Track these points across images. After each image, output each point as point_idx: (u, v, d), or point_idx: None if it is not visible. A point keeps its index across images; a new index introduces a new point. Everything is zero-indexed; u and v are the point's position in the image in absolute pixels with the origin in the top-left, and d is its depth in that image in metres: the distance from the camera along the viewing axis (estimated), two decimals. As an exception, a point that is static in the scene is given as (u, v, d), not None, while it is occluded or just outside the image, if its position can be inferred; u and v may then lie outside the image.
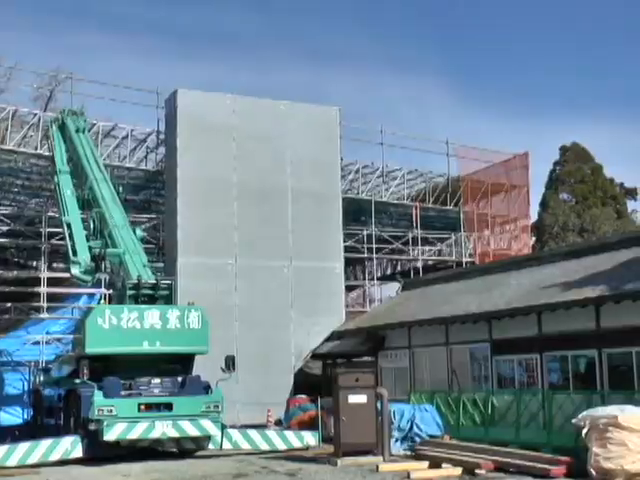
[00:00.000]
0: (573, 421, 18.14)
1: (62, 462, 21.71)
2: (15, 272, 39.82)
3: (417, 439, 23.14)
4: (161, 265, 27.77)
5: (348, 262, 39.72)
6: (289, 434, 24.79)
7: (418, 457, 21.16)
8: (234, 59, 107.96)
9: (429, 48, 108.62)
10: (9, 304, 36.29)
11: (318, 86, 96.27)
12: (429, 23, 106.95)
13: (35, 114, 37.23)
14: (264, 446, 23.90)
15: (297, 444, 24.13)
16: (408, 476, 18.26)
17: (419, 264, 43.80)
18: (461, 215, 44.70)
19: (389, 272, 50.17)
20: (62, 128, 32.25)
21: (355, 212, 41.59)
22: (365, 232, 41.20)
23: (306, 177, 34.94)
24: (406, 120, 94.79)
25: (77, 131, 31.52)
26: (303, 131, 35.32)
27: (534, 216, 52.12)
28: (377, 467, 19.65)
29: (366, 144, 41.93)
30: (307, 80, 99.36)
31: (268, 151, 34.57)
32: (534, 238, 52.09)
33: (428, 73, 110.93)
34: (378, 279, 46.58)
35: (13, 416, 32.82)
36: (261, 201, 33.82)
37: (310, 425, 26.26)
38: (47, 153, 34.23)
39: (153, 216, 38.04)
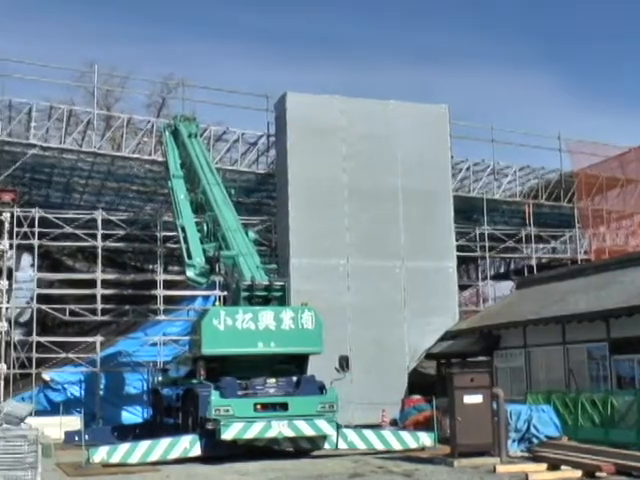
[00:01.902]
0: (699, 422, 17.60)
1: (181, 460, 22.11)
2: (132, 275, 40.73)
3: (534, 440, 22.77)
4: (274, 266, 27.97)
5: (461, 261, 39.35)
6: (405, 434, 24.71)
7: (536, 459, 20.78)
8: (342, 61, 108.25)
9: (538, 44, 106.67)
10: (127, 306, 37.16)
11: (426, 85, 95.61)
12: (537, 19, 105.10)
13: (149, 121, 38.11)
14: (379, 446, 23.86)
15: (413, 444, 24.02)
16: (526, 478, 18.00)
17: (533, 262, 43.00)
18: (575, 211, 43.72)
19: (502, 271, 49.48)
20: (175, 134, 32.79)
21: (467, 210, 41.17)
22: (477, 231, 40.70)
23: (416, 176, 34.79)
24: (516, 117, 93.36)
25: (189, 136, 32.02)
26: (412, 130, 35.18)
27: (652, 211, 50.54)
28: (494, 468, 19.44)
29: (476, 142, 41.46)
30: (415, 79, 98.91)
31: (378, 151, 34.57)
32: (652, 234, 50.53)
33: (537, 69, 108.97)
34: (491, 278, 45.96)
35: (134, 415, 33.76)
36: (372, 201, 33.84)
37: (425, 425, 26.19)
38: (161, 159, 34.90)
39: (265, 218, 38.39)
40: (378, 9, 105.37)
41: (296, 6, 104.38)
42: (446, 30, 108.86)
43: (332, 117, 34.29)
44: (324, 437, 23.33)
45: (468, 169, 41.45)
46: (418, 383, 32.31)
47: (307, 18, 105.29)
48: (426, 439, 24.16)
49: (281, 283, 25.48)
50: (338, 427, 23.49)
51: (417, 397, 30.50)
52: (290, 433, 22.61)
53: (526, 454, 22.08)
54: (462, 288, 42.89)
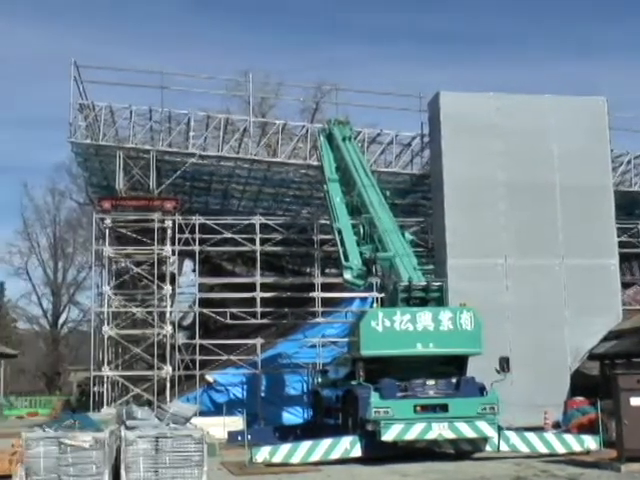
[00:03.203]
0: None
1: (341, 461, 22.28)
2: (290, 278, 41.25)
3: None
4: (431, 267, 27.89)
5: (623, 258, 38.07)
6: (568, 437, 24.18)
7: None
8: (495, 57, 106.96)
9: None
10: (286, 309, 37.77)
11: (585, 78, 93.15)
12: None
13: (303, 126, 38.67)
14: (542, 449, 23.43)
15: (577, 448, 23.46)
16: (701, 484, 17.27)
17: (700, 258, 41.24)
18: None
19: (668, 267, 47.59)
20: (329, 138, 32.95)
21: (628, 205, 39.84)
22: (640, 226, 39.36)
23: (574, 171, 33.91)
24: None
25: (344, 139, 32.11)
26: (569, 124, 34.33)
27: None
28: (665, 474, 18.75)
29: (638, 134, 40.08)
30: (575, 73, 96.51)
31: (534, 147, 33.92)
32: None
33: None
34: (656, 275, 44.36)
35: (294, 416, 34.25)
36: (529, 198, 33.22)
37: (590, 428, 25.49)
38: (316, 163, 35.21)
39: (421, 219, 38.29)
40: (535, 3, 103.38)
41: (450, 6, 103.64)
42: (605, 23, 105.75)
43: (486, 114, 33.84)
44: (485, 439, 23.08)
45: (629, 162, 40.14)
46: (581, 385, 31.49)
47: (460, 17, 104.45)
48: (591, 442, 23.53)
49: (439, 284, 25.36)
50: (499, 429, 23.19)
51: (580, 399, 29.73)
52: (450, 435, 22.47)
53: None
54: (625, 286, 41.48)
